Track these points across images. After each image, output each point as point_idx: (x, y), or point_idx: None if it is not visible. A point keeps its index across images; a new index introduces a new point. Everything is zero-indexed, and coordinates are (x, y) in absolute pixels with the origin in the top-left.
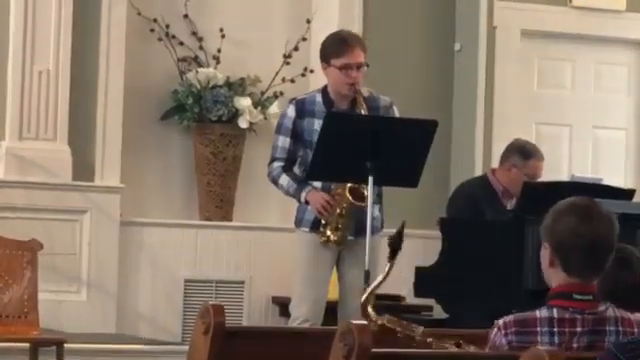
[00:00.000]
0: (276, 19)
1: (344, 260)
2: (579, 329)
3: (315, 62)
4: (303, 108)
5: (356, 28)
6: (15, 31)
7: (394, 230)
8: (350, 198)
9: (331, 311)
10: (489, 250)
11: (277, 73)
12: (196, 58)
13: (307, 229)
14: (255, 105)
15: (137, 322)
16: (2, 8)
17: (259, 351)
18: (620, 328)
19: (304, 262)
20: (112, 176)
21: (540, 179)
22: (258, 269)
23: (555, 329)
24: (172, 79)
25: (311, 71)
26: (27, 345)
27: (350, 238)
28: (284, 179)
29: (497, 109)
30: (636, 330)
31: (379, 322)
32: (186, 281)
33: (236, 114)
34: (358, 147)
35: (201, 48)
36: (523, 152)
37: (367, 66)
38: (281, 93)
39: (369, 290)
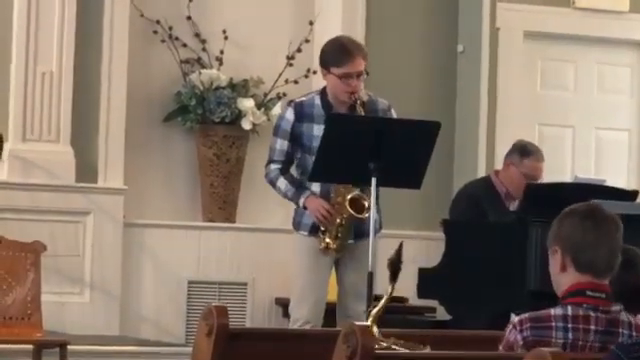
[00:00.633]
0: (279, 21)
1: (343, 262)
2: (592, 327)
3: (318, 63)
4: (302, 111)
5: (359, 30)
6: (18, 32)
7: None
8: (351, 211)
9: (330, 312)
10: (492, 251)
11: (280, 74)
12: (199, 60)
13: (306, 233)
14: (258, 106)
15: (140, 324)
16: (5, 10)
17: (262, 352)
18: (634, 333)
19: (304, 265)
20: (115, 178)
21: (541, 181)
22: (261, 270)
23: (569, 325)
24: (175, 81)
25: (314, 72)
26: (30, 347)
27: (350, 242)
28: (282, 182)
29: (500, 110)
30: None
31: (385, 344)
32: (189, 283)
33: (239, 115)
34: (361, 148)
35: (204, 50)
36: (522, 150)
37: (367, 74)
38: (284, 94)
39: (374, 312)
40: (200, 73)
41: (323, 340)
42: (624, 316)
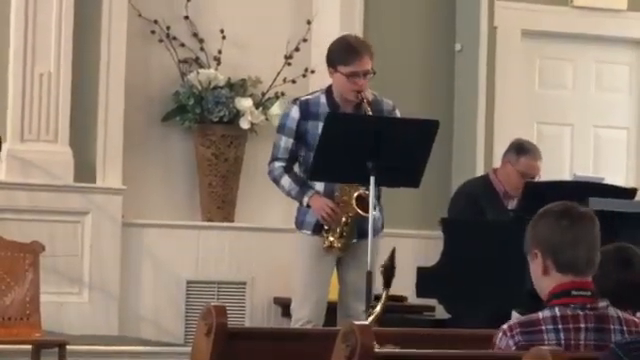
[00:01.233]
0: (277, 20)
1: (345, 261)
2: (583, 325)
3: (316, 63)
4: (307, 110)
5: (357, 29)
6: (16, 33)
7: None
8: (357, 209)
9: (332, 311)
10: (491, 250)
11: (278, 74)
12: (197, 59)
13: (309, 232)
14: (256, 106)
15: (139, 323)
16: (3, 10)
17: (261, 352)
18: (625, 327)
19: (306, 264)
20: (114, 177)
21: (539, 179)
22: (260, 270)
23: (560, 326)
24: (173, 80)
25: (312, 72)
26: (29, 347)
27: (353, 241)
28: (286, 180)
29: (498, 109)
30: None
31: (382, 353)
32: (188, 282)
33: (237, 115)
34: (359, 147)
35: (202, 49)
36: (518, 149)
37: (374, 73)
38: (282, 94)
39: (370, 320)
40: (198, 73)
41: (322, 339)
42: (612, 311)
